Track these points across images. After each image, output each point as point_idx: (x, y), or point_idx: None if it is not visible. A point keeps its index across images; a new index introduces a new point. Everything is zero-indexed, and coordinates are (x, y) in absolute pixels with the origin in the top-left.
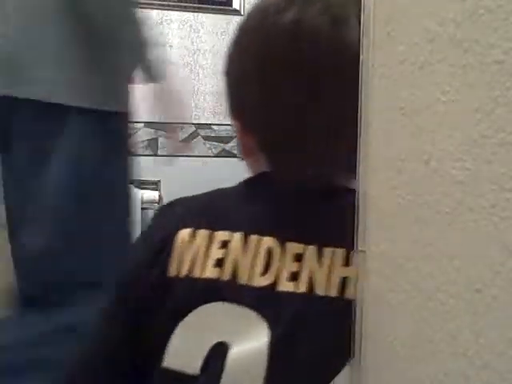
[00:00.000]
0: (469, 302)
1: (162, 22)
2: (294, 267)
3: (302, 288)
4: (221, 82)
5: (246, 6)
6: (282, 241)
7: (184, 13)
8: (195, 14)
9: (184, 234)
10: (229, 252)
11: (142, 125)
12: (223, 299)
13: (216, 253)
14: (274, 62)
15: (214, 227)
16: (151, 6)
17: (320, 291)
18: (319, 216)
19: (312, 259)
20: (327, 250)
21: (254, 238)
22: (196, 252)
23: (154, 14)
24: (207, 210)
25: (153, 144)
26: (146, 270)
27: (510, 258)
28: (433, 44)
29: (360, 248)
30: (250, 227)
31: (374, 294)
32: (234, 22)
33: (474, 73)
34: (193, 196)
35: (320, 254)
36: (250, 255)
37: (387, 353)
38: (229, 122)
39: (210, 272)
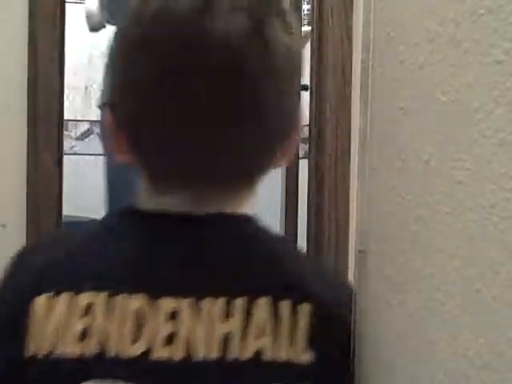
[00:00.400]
0: (469, 302)
1: None
2: (169, 328)
3: (179, 353)
4: None
5: None
6: (154, 297)
7: None
8: None
9: (40, 303)
10: (93, 320)
11: None
12: (93, 378)
13: (79, 323)
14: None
15: (77, 287)
16: None
17: (199, 354)
18: (199, 257)
19: (188, 315)
20: (205, 302)
21: (119, 298)
22: (57, 323)
23: None
24: (71, 262)
25: None
26: None
27: (510, 258)
28: (433, 44)
29: (360, 248)
30: (117, 282)
31: (373, 294)
32: None
33: (474, 73)
34: (57, 239)
35: (198, 308)
36: (116, 321)
37: (387, 353)
38: None
39: (73, 347)
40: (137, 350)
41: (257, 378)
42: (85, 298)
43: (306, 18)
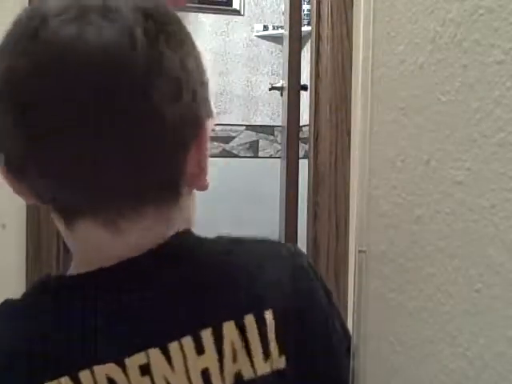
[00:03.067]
0: (469, 302)
1: None
2: (146, 383)
3: None
4: (221, 81)
5: (246, 6)
6: (119, 359)
7: (184, 13)
8: (195, 14)
9: None
10: None
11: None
12: None
13: None
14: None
15: (34, 381)
16: None
17: None
18: (147, 307)
19: (161, 365)
20: (172, 346)
21: (84, 374)
22: None
23: None
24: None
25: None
26: None
27: (510, 258)
28: (433, 44)
29: (360, 248)
30: (70, 362)
31: (374, 293)
32: (234, 22)
33: (474, 73)
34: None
35: (167, 354)
36: None
37: (387, 353)
38: (229, 122)
39: None
40: None
41: None
42: None
43: (306, 18)
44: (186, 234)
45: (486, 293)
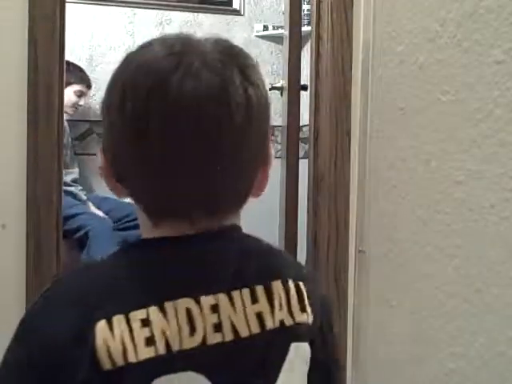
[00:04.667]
0: (469, 302)
1: (161, 22)
2: (214, 319)
3: (229, 336)
4: None
5: (246, 6)
6: (196, 297)
7: (184, 13)
8: (195, 13)
9: (101, 328)
10: (153, 327)
11: None
12: (166, 373)
13: (141, 333)
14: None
15: (123, 309)
16: (151, 6)
17: (244, 333)
18: (217, 262)
19: (226, 306)
20: (235, 294)
21: (169, 304)
22: (121, 340)
23: (154, 14)
24: (107, 291)
25: None
26: (72, 367)
27: (510, 258)
28: (433, 44)
29: (360, 248)
30: (159, 296)
31: (374, 294)
32: (234, 22)
33: (474, 73)
34: (82, 272)
35: (231, 299)
36: (172, 321)
37: (387, 353)
38: None
39: (145, 353)
40: (195, 341)
41: (286, 339)
42: (138, 314)
43: (306, 17)
44: (239, 226)
45: (486, 293)
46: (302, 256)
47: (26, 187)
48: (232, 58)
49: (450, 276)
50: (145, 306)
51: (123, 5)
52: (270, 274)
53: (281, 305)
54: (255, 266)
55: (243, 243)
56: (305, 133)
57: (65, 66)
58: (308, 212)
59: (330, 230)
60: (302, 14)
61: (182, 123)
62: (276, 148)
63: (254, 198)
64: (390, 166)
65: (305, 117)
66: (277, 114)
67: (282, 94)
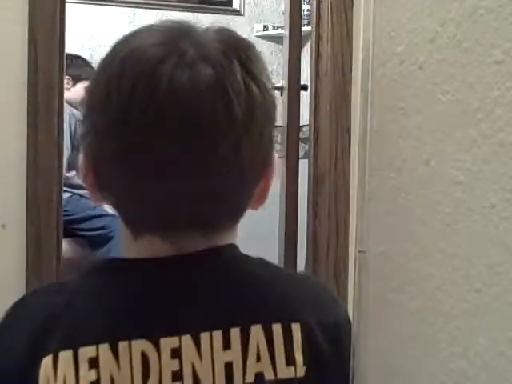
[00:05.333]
0: (469, 302)
1: None
2: (174, 365)
3: None
4: None
5: (246, 6)
6: (155, 339)
7: (184, 13)
8: (195, 13)
9: (46, 365)
10: (101, 370)
11: None
12: None
13: (87, 376)
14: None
15: (74, 343)
16: (151, 6)
17: None
18: (189, 296)
19: (190, 351)
20: (204, 336)
21: (123, 344)
22: (64, 381)
23: (154, 14)
24: (60, 322)
25: None
26: None
27: (510, 258)
28: (433, 44)
29: (360, 248)
30: (114, 332)
31: (374, 294)
32: (234, 22)
33: (474, 73)
34: (41, 298)
35: (197, 343)
36: (124, 366)
37: (387, 353)
38: None
39: None
40: None
41: None
42: (87, 352)
43: (306, 17)
44: (232, 246)
45: (485, 293)
46: (301, 256)
47: (25, 187)
48: (235, 49)
49: (450, 276)
50: (96, 342)
51: (123, 5)
52: (251, 313)
53: (258, 355)
54: (236, 302)
55: (231, 271)
56: (305, 133)
57: (76, 61)
58: (308, 212)
59: (330, 230)
60: (302, 13)
61: (173, 120)
62: (276, 148)
63: (253, 211)
64: (390, 166)
65: (305, 117)
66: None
67: (282, 94)
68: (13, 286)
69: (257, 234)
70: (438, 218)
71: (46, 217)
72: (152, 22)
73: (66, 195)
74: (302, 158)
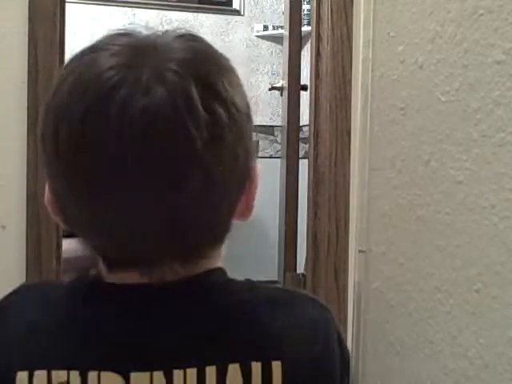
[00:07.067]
0: (469, 302)
1: (161, 22)
2: None
3: None
4: None
5: (246, 6)
6: (125, 373)
7: (184, 13)
8: (195, 13)
9: (21, 380)
10: None
11: None
12: None
13: None
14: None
15: (49, 364)
16: (151, 6)
17: None
18: (165, 329)
19: None
20: (177, 374)
21: (93, 374)
22: None
23: (154, 14)
24: (37, 336)
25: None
26: None
27: (510, 258)
28: (433, 44)
29: (360, 248)
30: (86, 360)
31: (374, 294)
32: (234, 22)
33: (474, 73)
34: (25, 309)
35: (170, 380)
36: None
37: (387, 353)
38: None
39: None
40: None
41: None
42: (59, 376)
43: (306, 17)
44: (214, 272)
45: (486, 293)
46: (301, 256)
47: (25, 187)
48: (196, 69)
49: (450, 276)
50: (69, 367)
51: (123, 5)
52: (229, 350)
53: None
54: (213, 337)
55: (209, 303)
56: (305, 133)
57: None
58: (308, 212)
59: (330, 230)
60: (302, 13)
61: (129, 154)
62: (276, 148)
63: (242, 221)
64: (390, 166)
65: (305, 117)
66: (276, 114)
67: (281, 94)
68: (13, 286)
69: (257, 233)
70: (437, 218)
71: (46, 217)
72: (110, 31)
73: None
74: (301, 158)
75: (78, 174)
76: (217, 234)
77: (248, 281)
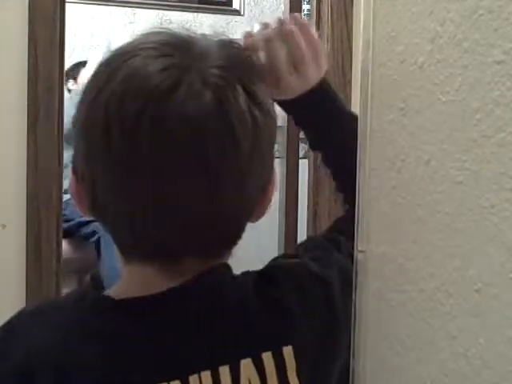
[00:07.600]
0: (469, 302)
1: (161, 22)
2: None
3: None
4: None
5: (246, 6)
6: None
7: (184, 13)
8: (195, 13)
9: None
10: None
11: None
12: None
13: None
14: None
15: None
16: (151, 6)
17: None
18: (172, 336)
19: None
20: (192, 378)
21: None
22: None
23: (154, 14)
24: (49, 358)
25: None
26: None
27: (510, 258)
28: (433, 44)
29: (360, 248)
30: (110, 380)
31: (374, 294)
32: (234, 22)
33: (474, 73)
34: (34, 320)
35: None
36: None
37: (387, 353)
38: None
39: None
40: None
41: None
42: None
43: (306, 18)
44: (222, 268)
45: (486, 293)
46: None
47: (25, 187)
48: (238, 73)
49: (450, 276)
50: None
51: (123, 5)
52: (239, 347)
53: None
54: (222, 336)
55: (216, 302)
56: None
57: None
58: (308, 212)
59: None
60: (302, 14)
61: (184, 152)
62: (276, 148)
63: (251, 223)
64: (390, 166)
65: None
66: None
67: None
68: (13, 286)
69: (257, 233)
70: (437, 218)
71: (46, 217)
72: (148, 30)
73: (64, 198)
74: (301, 158)
75: (130, 175)
76: (238, 234)
77: (247, 274)
